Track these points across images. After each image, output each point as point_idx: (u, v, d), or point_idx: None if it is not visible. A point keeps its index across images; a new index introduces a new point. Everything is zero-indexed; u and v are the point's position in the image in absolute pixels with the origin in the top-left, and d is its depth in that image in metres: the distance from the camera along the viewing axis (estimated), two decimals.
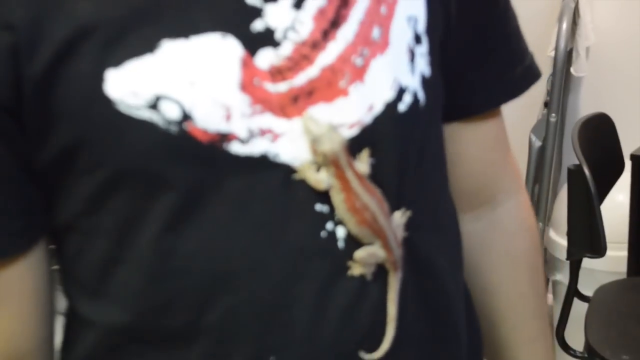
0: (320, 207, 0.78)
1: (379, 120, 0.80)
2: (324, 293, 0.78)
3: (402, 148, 0.82)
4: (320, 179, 0.77)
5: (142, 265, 0.79)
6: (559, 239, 2.94)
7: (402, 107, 0.81)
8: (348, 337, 0.79)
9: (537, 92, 2.52)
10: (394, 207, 0.81)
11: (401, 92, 0.81)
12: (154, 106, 0.74)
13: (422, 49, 0.84)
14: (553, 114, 2.96)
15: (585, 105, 3.16)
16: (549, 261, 2.99)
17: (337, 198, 0.78)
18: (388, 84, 0.81)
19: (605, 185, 2.45)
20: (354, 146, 0.78)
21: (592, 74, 3.11)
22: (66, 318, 0.89)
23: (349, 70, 0.79)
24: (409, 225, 0.83)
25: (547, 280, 2.97)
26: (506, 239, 1.02)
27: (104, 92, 0.74)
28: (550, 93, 2.96)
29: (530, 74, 0.99)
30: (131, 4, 0.75)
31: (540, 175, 2.99)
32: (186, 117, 0.74)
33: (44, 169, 0.80)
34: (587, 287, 2.47)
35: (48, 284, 0.88)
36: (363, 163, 0.80)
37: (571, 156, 2.63)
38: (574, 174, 2.25)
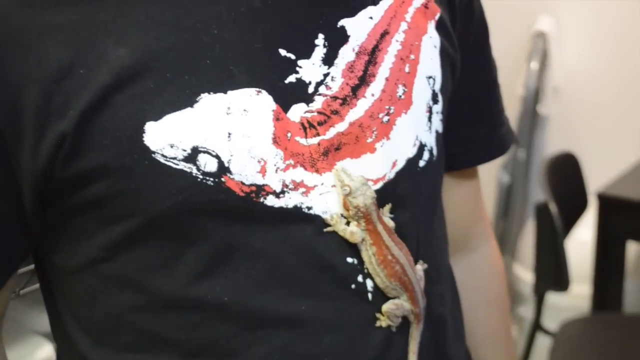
0: (350, 259, 0.78)
1: (401, 176, 0.81)
2: (354, 344, 0.79)
3: (420, 202, 0.84)
4: (354, 231, 0.78)
5: (167, 314, 0.78)
6: (525, 273, 2.97)
7: (422, 163, 0.84)
8: None
9: None
10: (414, 260, 0.83)
11: (421, 148, 0.84)
12: (191, 158, 0.74)
13: (438, 107, 0.87)
14: (521, 151, 3.01)
15: (552, 143, 3.18)
16: (514, 295, 3.00)
17: (369, 251, 0.78)
18: (411, 141, 0.83)
19: (570, 222, 2.50)
20: (377, 200, 0.79)
21: (559, 113, 3.15)
22: (63, 358, 0.87)
23: (376, 127, 0.80)
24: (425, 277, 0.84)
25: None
26: (482, 283, 1.06)
27: (144, 143, 0.73)
28: (518, 131, 2.99)
29: (510, 135, 1.04)
30: (170, 54, 0.75)
31: (507, 211, 3.04)
32: (223, 169, 0.74)
33: (59, 214, 0.78)
34: (550, 321, 2.53)
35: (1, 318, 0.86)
36: (387, 217, 0.80)
37: (537, 192, 2.77)
38: (541, 211, 2.31)
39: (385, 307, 0.79)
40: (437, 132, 0.86)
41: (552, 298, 2.60)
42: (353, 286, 0.78)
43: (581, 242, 2.70)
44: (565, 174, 2.57)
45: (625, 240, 2.58)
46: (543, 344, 2.58)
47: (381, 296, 0.79)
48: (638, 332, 2.38)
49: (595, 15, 3.08)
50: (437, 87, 0.87)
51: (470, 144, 0.99)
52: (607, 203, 2.51)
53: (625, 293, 2.63)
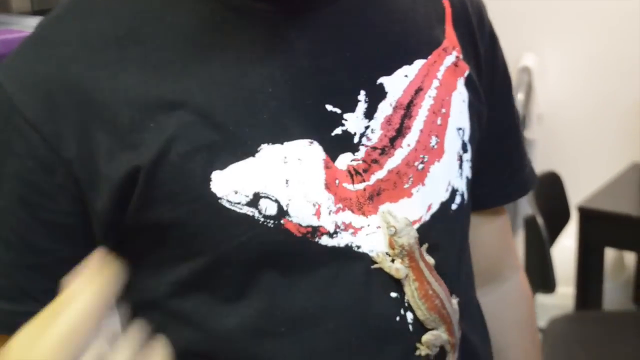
0: (393, 294, 0.78)
1: (436, 218, 0.82)
2: None
3: (452, 242, 0.85)
4: (399, 268, 0.78)
5: (228, 349, 0.78)
6: None
7: (454, 206, 0.84)
8: None
9: None
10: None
11: (453, 193, 0.84)
12: (254, 203, 0.74)
13: (468, 156, 0.87)
14: None
15: (537, 164, 3.07)
16: None
17: (411, 286, 0.79)
18: (444, 187, 0.83)
19: (555, 232, 2.61)
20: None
21: (543, 137, 3.20)
22: None
23: (412, 174, 0.80)
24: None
25: None
26: (513, 309, 1.06)
27: (211, 190, 0.73)
28: None
29: (532, 177, 1.03)
30: (231, 110, 0.75)
31: None
32: (282, 213, 0.75)
33: (132, 249, 0.78)
34: (540, 319, 2.54)
35: None
36: (428, 255, 0.81)
37: (526, 207, 2.72)
38: (529, 223, 2.43)
39: (425, 337, 0.80)
40: (467, 178, 0.86)
41: (541, 298, 2.69)
42: (397, 318, 0.79)
43: (565, 249, 2.77)
44: (550, 190, 2.66)
45: (603, 246, 2.70)
46: None
47: (421, 327, 0.80)
48: (616, 327, 2.50)
49: (572, 52, 3.20)
50: (467, 137, 0.87)
51: (496, 186, 0.98)
52: (587, 215, 2.63)
53: (604, 293, 2.74)
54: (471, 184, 0.89)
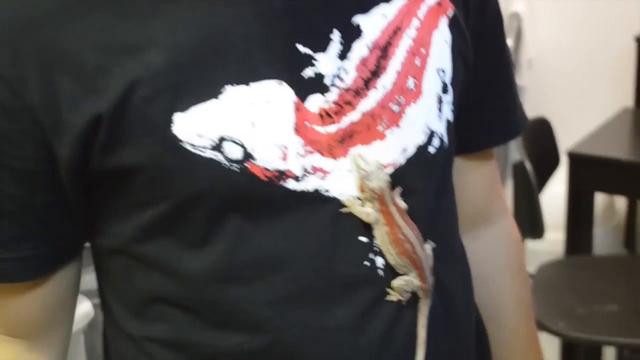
0: (363, 238, 0.77)
1: (412, 162, 0.80)
2: (365, 316, 0.78)
3: (430, 186, 0.83)
4: (369, 212, 0.77)
5: (193, 291, 0.78)
6: None
7: (432, 149, 0.82)
8: (385, 358, 0.79)
9: None
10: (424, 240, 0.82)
11: (431, 136, 0.82)
12: (218, 147, 0.73)
13: (448, 98, 0.84)
14: None
15: (527, 109, 2.89)
16: None
17: (382, 231, 0.77)
18: (420, 129, 0.81)
19: (544, 178, 2.62)
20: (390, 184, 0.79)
21: (533, 82, 3.22)
22: (106, 327, 0.88)
23: (386, 116, 0.79)
24: (434, 256, 0.83)
25: None
26: (504, 253, 1.05)
27: (173, 132, 0.73)
28: None
29: (522, 120, 1.01)
30: (197, 51, 0.74)
31: None
32: (248, 156, 0.74)
33: (97, 198, 0.78)
34: (529, 265, 2.51)
35: (72, 299, 0.86)
36: (400, 199, 0.79)
37: (515, 154, 2.81)
38: (518, 169, 2.43)
39: (395, 283, 0.79)
40: (447, 120, 0.85)
41: (531, 244, 2.71)
42: (366, 263, 0.78)
43: (555, 195, 2.78)
44: (539, 136, 2.66)
45: (593, 191, 2.71)
46: None
47: (391, 273, 0.79)
48: (605, 272, 2.51)
49: None
50: (448, 79, 0.85)
51: (484, 128, 0.97)
52: (577, 160, 2.62)
53: (594, 237, 2.75)
54: (456, 126, 0.88)
